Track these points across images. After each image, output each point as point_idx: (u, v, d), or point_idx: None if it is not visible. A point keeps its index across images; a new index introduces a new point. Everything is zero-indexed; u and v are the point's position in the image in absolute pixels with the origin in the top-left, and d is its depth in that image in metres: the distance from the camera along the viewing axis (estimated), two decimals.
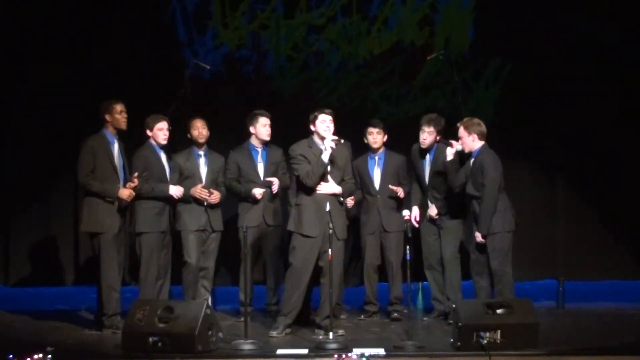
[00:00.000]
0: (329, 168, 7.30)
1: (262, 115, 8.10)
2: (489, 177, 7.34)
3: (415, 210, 8.01)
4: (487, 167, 7.37)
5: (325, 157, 7.23)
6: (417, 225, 7.99)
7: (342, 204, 7.40)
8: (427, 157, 7.97)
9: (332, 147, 7.21)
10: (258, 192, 7.98)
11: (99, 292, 7.54)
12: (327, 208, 7.22)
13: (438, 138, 7.92)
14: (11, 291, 9.25)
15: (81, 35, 9.15)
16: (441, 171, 7.82)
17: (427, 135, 7.91)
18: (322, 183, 7.27)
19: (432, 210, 7.93)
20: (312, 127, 7.36)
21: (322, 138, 7.30)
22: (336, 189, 7.32)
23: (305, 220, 7.29)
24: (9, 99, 9.24)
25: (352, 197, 8.04)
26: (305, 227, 7.29)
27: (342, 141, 7.33)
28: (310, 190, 7.29)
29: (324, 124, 7.31)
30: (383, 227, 8.12)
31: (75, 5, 9.17)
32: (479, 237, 7.41)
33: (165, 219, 7.77)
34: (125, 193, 7.44)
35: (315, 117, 7.34)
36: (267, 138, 8.10)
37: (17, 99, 9.24)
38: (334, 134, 7.35)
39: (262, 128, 8.08)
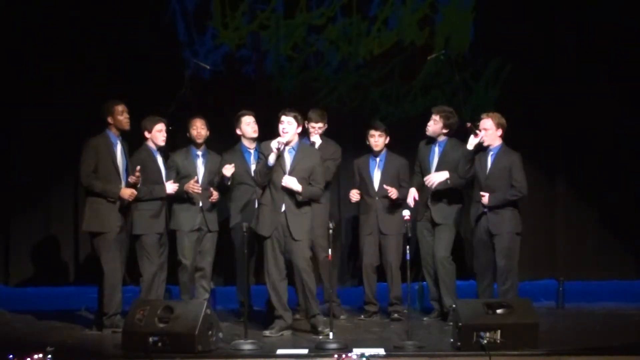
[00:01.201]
0: (288, 168, 7.20)
1: (244, 114, 8.07)
2: (522, 180, 7.47)
3: (413, 190, 7.94)
4: (518, 169, 7.47)
5: (271, 159, 7.14)
6: (412, 205, 7.85)
7: (298, 204, 7.26)
8: (436, 150, 7.94)
9: (277, 149, 7.11)
10: (228, 169, 7.83)
11: (100, 291, 7.54)
12: (282, 209, 7.21)
13: (444, 131, 7.88)
14: (11, 291, 9.25)
15: (81, 36, 9.15)
16: (449, 166, 7.79)
17: (431, 123, 7.88)
18: (286, 175, 7.20)
19: (442, 175, 7.74)
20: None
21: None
22: (296, 186, 7.21)
23: (262, 220, 7.29)
24: (9, 100, 9.24)
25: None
26: (261, 226, 7.29)
27: (284, 141, 7.17)
28: (268, 189, 7.25)
29: (281, 125, 7.23)
30: (380, 230, 8.11)
31: (75, 6, 9.17)
32: (485, 198, 7.45)
33: (161, 220, 7.74)
34: (127, 193, 7.44)
35: (278, 118, 7.28)
36: (254, 135, 8.04)
37: (17, 99, 9.23)
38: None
39: (246, 127, 8.05)
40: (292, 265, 7.28)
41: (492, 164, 7.53)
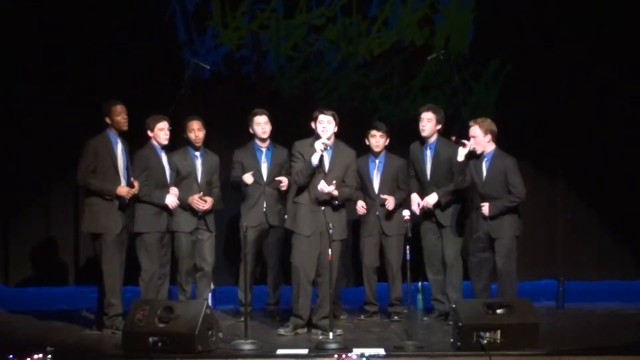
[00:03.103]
0: (327, 168, 7.26)
1: (256, 114, 8.08)
2: (519, 185, 7.42)
3: (416, 196, 7.96)
4: (513, 174, 7.43)
5: (314, 159, 7.16)
6: (418, 213, 7.91)
7: (338, 205, 7.33)
8: (428, 152, 7.95)
9: (321, 150, 7.14)
10: (248, 177, 7.93)
11: (100, 292, 7.54)
12: (323, 207, 7.21)
13: (438, 127, 7.90)
14: (11, 291, 9.25)
15: (82, 35, 9.15)
16: (443, 167, 7.80)
17: (426, 123, 7.89)
18: (322, 181, 7.23)
19: (432, 198, 7.83)
20: (313, 125, 7.35)
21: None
22: (333, 191, 7.23)
23: (300, 219, 7.28)
24: (9, 99, 9.24)
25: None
26: (300, 226, 7.28)
27: (329, 143, 7.22)
28: (306, 189, 7.25)
29: (320, 124, 7.26)
30: (383, 231, 8.11)
31: (76, 5, 9.17)
32: (485, 208, 7.45)
33: (163, 219, 7.74)
34: (124, 190, 7.42)
35: (315, 117, 7.30)
36: (263, 136, 8.05)
37: (18, 98, 9.23)
38: (336, 135, 7.32)
39: (256, 127, 8.06)
40: (320, 264, 7.27)
41: (487, 170, 7.52)
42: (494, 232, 7.46)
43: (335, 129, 7.33)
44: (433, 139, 7.94)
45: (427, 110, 7.92)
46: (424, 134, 7.91)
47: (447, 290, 7.91)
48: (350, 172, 7.40)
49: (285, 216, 7.61)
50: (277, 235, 8.13)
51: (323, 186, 7.19)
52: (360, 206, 8.03)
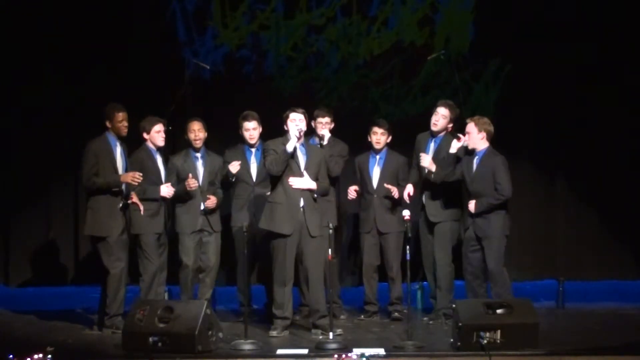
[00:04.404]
0: (302, 163, 7.27)
1: (245, 119, 8.07)
2: (505, 183, 7.37)
3: (409, 186, 7.93)
4: (501, 172, 7.39)
5: (290, 147, 7.20)
6: (408, 201, 7.86)
7: (315, 200, 7.35)
8: (432, 145, 7.95)
9: (296, 136, 7.19)
10: (234, 167, 7.93)
11: (103, 293, 7.56)
12: (301, 204, 7.22)
13: (449, 127, 7.90)
14: (11, 291, 9.25)
15: (81, 36, 9.15)
16: (441, 163, 7.80)
17: (440, 118, 7.87)
18: (294, 178, 7.23)
19: (429, 164, 7.79)
20: (285, 126, 7.36)
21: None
22: (311, 184, 7.28)
23: (277, 218, 7.26)
24: (9, 99, 9.24)
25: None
26: (278, 225, 7.26)
27: (303, 130, 7.30)
28: (283, 186, 7.25)
29: (293, 122, 7.31)
30: (377, 229, 8.11)
31: (76, 5, 9.17)
32: (471, 205, 7.45)
33: (160, 219, 7.75)
34: (128, 177, 7.42)
35: (287, 117, 7.36)
36: (250, 142, 8.06)
37: (18, 98, 9.23)
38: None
39: (245, 132, 8.07)
40: (304, 263, 7.28)
41: (477, 168, 7.53)
42: (480, 231, 7.46)
43: (305, 128, 7.40)
44: (441, 134, 7.94)
45: (444, 106, 7.90)
46: (435, 128, 7.90)
47: (437, 294, 7.92)
48: (322, 170, 7.43)
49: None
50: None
51: (299, 182, 7.22)
52: (352, 189, 8.07)
